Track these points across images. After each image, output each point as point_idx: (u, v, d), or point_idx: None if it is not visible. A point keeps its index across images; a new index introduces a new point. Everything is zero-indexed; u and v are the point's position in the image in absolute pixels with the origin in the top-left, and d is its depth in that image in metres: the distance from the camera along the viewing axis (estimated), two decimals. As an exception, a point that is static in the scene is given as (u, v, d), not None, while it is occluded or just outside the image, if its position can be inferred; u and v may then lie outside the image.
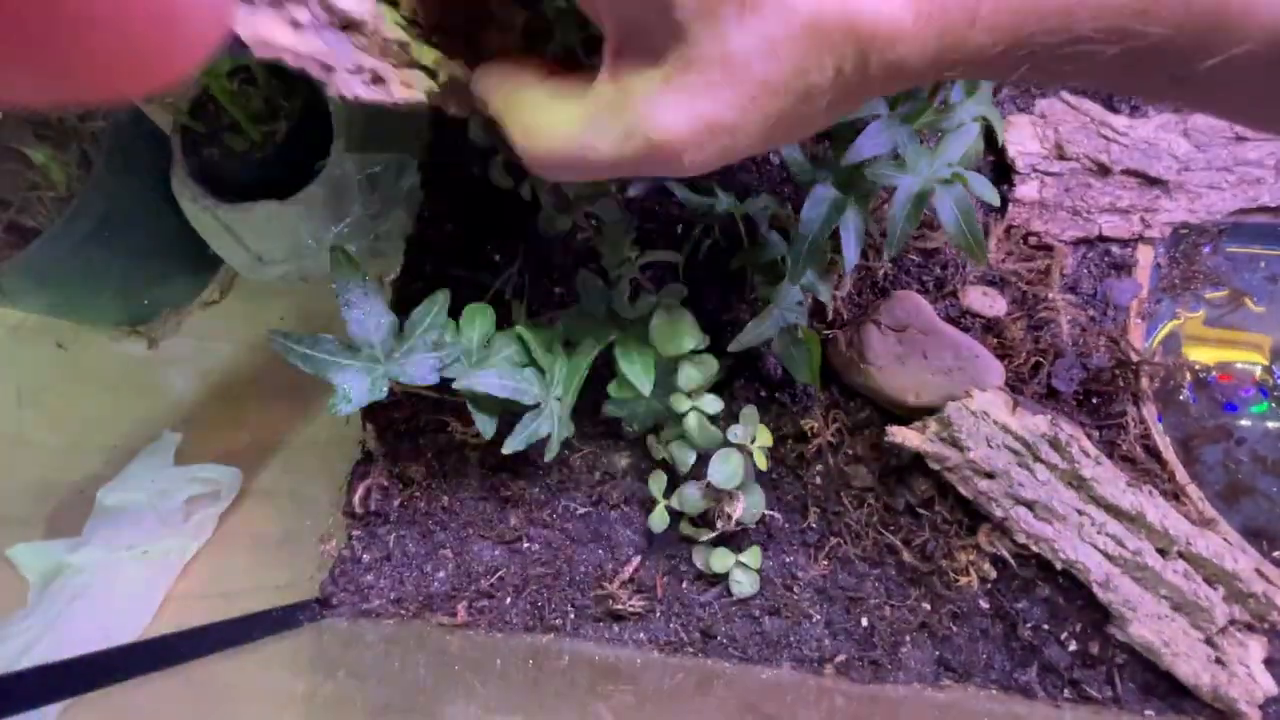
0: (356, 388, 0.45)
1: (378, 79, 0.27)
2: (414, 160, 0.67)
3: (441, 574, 0.56)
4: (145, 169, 0.64)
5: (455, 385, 0.47)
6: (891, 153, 0.49)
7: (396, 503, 0.57)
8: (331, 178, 0.64)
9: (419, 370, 0.46)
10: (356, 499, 0.57)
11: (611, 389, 0.50)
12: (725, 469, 0.47)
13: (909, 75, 0.23)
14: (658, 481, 0.52)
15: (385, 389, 0.46)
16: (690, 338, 0.48)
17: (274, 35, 0.24)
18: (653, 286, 0.49)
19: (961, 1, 0.21)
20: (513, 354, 0.50)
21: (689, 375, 0.49)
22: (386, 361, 0.46)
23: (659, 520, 0.51)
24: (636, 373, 0.47)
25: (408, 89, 0.28)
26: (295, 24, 0.25)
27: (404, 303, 0.59)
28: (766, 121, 0.23)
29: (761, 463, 0.50)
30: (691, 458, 0.50)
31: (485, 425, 0.49)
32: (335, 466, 0.63)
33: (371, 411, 0.58)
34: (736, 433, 0.49)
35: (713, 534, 0.51)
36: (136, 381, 0.73)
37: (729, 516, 0.49)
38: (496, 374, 0.48)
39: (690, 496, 0.50)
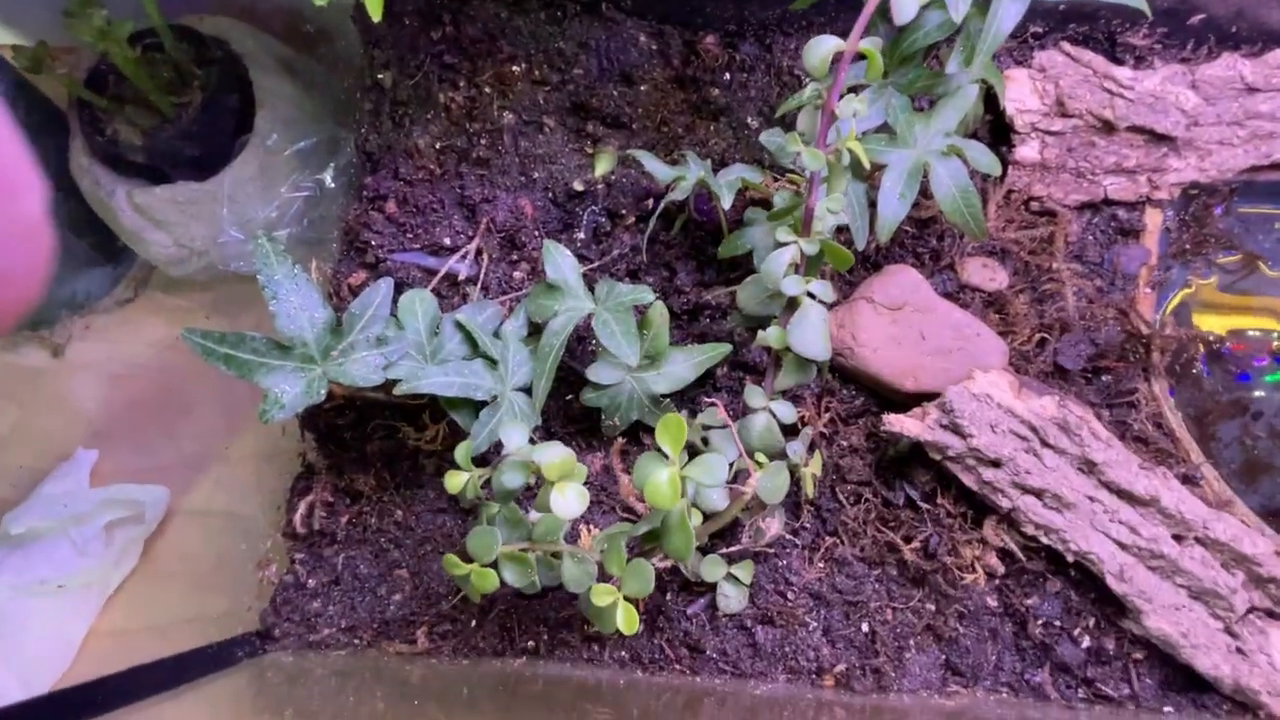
0: (290, 392, 0.43)
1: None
2: (349, 134, 0.64)
3: (398, 597, 0.54)
4: (37, 149, 0.60)
5: (397, 390, 0.45)
6: (882, 124, 0.47)
7: (344, 519, 0.55)
8: (256, 155, 0.61)
9: (361, 370, 0.44)
10: (298, 518, 0.55)
11: (591, 372, 0.49)
12: (774, 483, 0.46)
13: None
14: None
15: (323, 392, 0.43)
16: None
17: None
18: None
19: None
20: (459, 344, 0.48)
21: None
22: (324, 361, 0.44)
23: None
24: (618, 343, 0.45)
25: None
26: None
27: (343, 295, 0.57)
28: None
29: (809, 488, 0.49)
30: (734, 454, 0.49)
31: (466, 421, 0.47)
32: (273, 482, 0.61)
33: (311, 418, 0.56)
34: (796, 448, 0.49)
35: (733, 549, 0.50)
36: (41, 394, 0.69)
37: (761, 533, 0.49)
38: (442, 371, 0.46)
39: (711, 496, 0.48)
